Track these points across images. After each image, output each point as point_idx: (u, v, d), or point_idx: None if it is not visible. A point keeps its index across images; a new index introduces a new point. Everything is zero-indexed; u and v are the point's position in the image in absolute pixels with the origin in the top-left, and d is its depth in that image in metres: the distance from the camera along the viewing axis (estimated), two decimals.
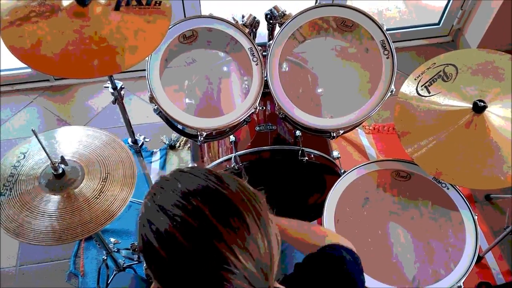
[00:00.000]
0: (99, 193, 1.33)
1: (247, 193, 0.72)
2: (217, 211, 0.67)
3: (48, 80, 2.63)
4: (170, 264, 0.67)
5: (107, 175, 1.35)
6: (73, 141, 1.43)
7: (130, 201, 1.34)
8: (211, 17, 1.52)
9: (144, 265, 1.40)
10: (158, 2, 1.23)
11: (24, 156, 1.40)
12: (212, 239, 0.65)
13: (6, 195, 1.33)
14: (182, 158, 2.37)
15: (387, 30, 1.51)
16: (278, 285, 0.72)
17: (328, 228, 1.36)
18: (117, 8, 1.21)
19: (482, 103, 1.39)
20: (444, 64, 1.53)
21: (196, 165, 1.76)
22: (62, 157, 1.29)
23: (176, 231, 0.66)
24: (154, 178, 2.27)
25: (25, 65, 1.19)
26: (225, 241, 0.65)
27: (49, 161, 1.28)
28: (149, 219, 0.70)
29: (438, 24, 2.90)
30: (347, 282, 0.88)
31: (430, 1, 3.17)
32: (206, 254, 0.65)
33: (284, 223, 1.04)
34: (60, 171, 1.30)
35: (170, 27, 1.33)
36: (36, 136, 1.20)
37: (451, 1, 2.74)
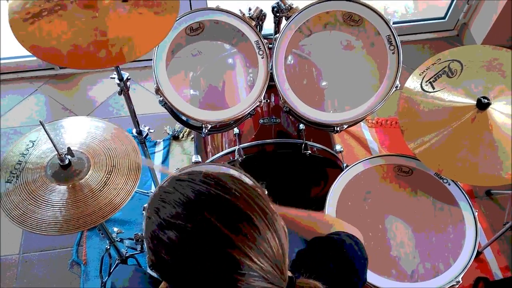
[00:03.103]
0: (104, 185, 1.33)
1: (249, 192, 0.71)
2: (224, 218, 0.67)
3: (53, 69, 2.63)
4: (186, 276, 0.68)
5: (113, 168, 1.35)
6: (80, 132, 1.44)
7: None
8: (218, 9, 1.52)
9: (147, 256, 1.41)
10: None
11: (33, 144, 1.40)
12: (225, 247, 0.65)
13: (12, 182, 1.33)
14: (185, 149, 2.38)
15: (393, 23, 1.51)
16: (289, 274, 0.73)
17: (336, 218, 1.37)
18: None
19: (486, 100, 1.40)
20: (449, 60, 1.53)
21: (200, 160, 1.77)
22: (69, 148, 1.30)
23: (187, 244, 0.66)
24: (157, 169, 2.28)
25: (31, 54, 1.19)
26: (238, 247, 0.65)
27: (56, 152, 1.28)
28: (157, 234, 0.69)
29: (444, 18, 2.89)
30: (344, 263, 0.90)
31: None
32: (221, 262, 0.65)
33: (292, 213, 1.05)
34: (67, 162, 1.31)
35: (177, 19, 1.33)
36: (44, 128, 1.20)
37: None
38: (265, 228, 0.68)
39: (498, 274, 2.04)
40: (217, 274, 0.66)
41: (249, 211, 0.68)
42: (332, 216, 1.27)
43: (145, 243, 0.73)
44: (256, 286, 0.66)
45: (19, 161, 1.37)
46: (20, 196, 1.32)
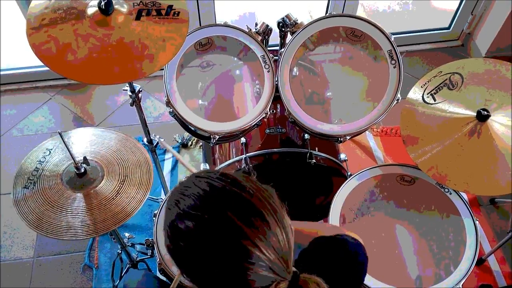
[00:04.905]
0: (117, 194, 1.40)
1: (262, 192, 0.79)
2: (239, 212, 0.74)
3: (66, 78, 2.71)
4: (199, 262, 0.74)
5: (125, 178, 1.42)
6: (96, 142, 1.50)
7: None
8: (225, 25, 1.59)
9: (157, 260, 1.47)
10: (176, 12, 1.30)
11: (50, 152, 1.47)
12: (238, 238, 0.72)
13: (29, 188, 1.40)
14: (194, 157, 2.44)
15: (399, 33, 1.55)
16: (294, 269, 0.79)
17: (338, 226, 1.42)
18: (138, 18, 1.28)
19: (485, 112, 1.44)
20: (450, 73, 1.57)
21: (208, 168, 1.84)
22: (85, 158, 1.36)
23: (203, 232, 0.73)
24: (167, 176, 2.34)
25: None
26: (249, 239, 0.72)
27: (72, 160, 1.35)
28: (176, 224, 0.76)
29: (448, 28, 2.93)
30: (347, 260, 0.95)
31: (439, 0, 3.20)
32: (233, 250, 0.72)
33: (298, 225, 1.10)
34: (82, 170, 1.37)
35: (187, 34, 1.39)
36: (62, 138, 1.27)
37: (461, 6, 2.77)
38: (274, 224, 0.75)
39: (502, 282, 2.06)
40: (229, 262, 0.72)
41: (261, 207, 0.76)
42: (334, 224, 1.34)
43: (163, 231, 0.81)
44: (263, 275, 0.73)
45: (37, 168, 1.43)
46: (36, 201, 1.38)
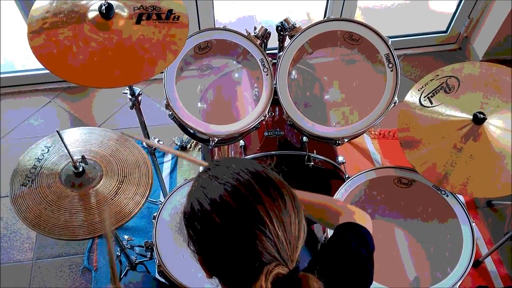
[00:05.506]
0: (115, 194, 1.40)
1: (286, 182, 0.83)
2: (262, 183, 0.78)
3: (66, 81, 2.72)
4: (218, 225, 0.77)
5: (124, 178, 1.42)
6: (95, 142, 1.50)
7: None
8: (224, 29, 1.60)
9: (156, 262, 1.47)
10: (176, 16, 1.31)
11: (48, 150, 1.46)
12: (255, 202, 0.76)
13: (27, 186, 1.39)
14: None
15: (396, 37, 1.57)
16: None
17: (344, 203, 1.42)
18: (138, 22, 1.30)
19: (481, 115, 1.46)
20: (447, 76, 1.59)
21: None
22: (83, 156, 1.36)
23: (228, 195, 0.77)
24: (166, 178, 2.35)
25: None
26: (264, 206, 0.76)
27: (70, 159, 1.35)
28: (204, 187, 0.81)
29: (445, 32, 2.95)
30: (359, 272, 0.96)
31: (437, 1, 3.22)
32: (247, 212, 0.76)
33: (305, 195, 1.14)
34: (80, 169, 1.37)
35: (187, 38, 1.40)
36: (61, 137, 1.27)
37: (459, 9, 2.79)
38: (290, 207, 0.79)
39: (498, 283, 2.07)
40: (242, 224, 0.76)
41: (282, 187, 0.80)
42: (341, 203, 1.36)
43: (187, 199, 0.85)
44: (269, 251, 0.75)
45: (35, 165, 1.42)
46: (34, 199, 1.37)
